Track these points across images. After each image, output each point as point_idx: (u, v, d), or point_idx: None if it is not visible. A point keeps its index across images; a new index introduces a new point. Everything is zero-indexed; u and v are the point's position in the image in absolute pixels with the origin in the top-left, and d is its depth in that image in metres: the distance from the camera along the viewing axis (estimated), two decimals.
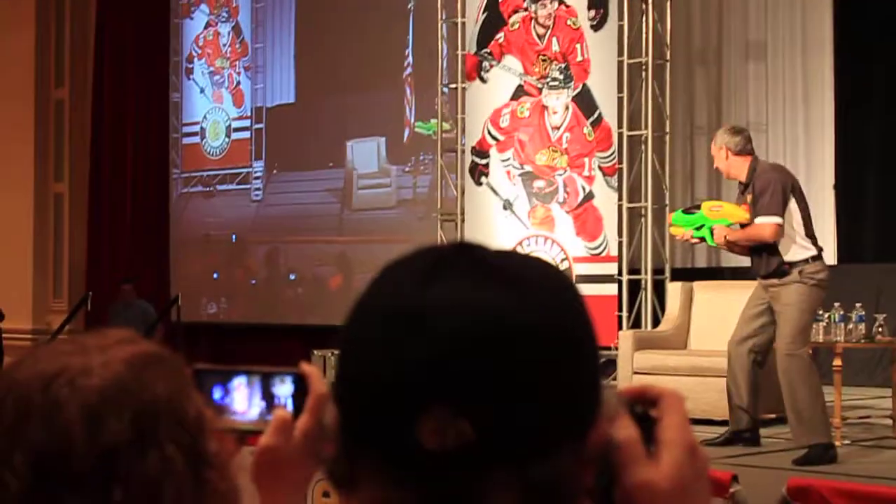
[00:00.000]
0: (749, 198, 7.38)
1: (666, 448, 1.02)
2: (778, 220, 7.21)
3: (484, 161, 12.01)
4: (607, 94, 11.57)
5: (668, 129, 11.79)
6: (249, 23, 16.21)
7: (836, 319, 7.82)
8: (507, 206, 11.82)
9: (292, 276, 15.54)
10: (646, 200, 11.62)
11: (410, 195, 14.28)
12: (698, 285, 9.59)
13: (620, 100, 11.57)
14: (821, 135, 11.63)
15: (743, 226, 7.39)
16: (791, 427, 7.25)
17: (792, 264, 7.23)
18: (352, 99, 14.66)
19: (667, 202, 11.72)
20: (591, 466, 1.00)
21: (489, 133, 11.94)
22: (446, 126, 12.80)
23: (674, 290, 9.70)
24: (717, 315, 9.05)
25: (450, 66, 12.61)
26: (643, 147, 11.67)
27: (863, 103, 11.76)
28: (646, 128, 11.59)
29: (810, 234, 7.31)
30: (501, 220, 11.77)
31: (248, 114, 16.12)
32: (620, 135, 11.57)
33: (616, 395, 1.03)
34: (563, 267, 11.06)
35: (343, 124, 14.79)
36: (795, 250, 7.26)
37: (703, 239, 7.53)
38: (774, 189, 7.25)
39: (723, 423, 8.23)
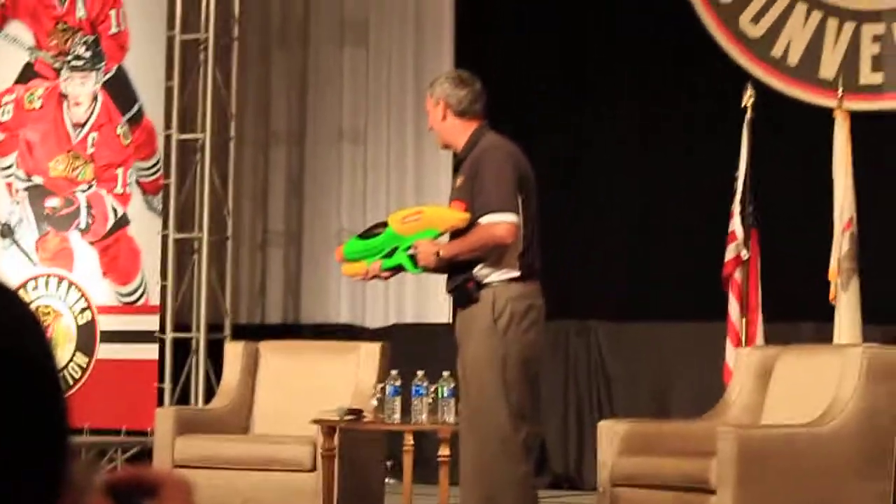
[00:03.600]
0: (460, 181, 5.90)
1: None
2: (514, 218, 5.72)
3: None
4: (152, 82, 10.60)
5: (233, 133, 10.78)
6: None
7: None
8: (7, 232, 10.60)
9: None
10: (201, 230, 10.60)
11: None
12: (266, 346, 8.72)
13: (170, 90, 10.53)
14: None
15: (461, 232, 5.78)
16: None
17: (480, 284, 5.80)
18: None
19: (229, 233, 10.72)
20: None
21: None
22: None
23: (234, 352, 8.75)
24: (290, 388, 8.40)
25: None
26: (200, 155, 10.61)
27: None
28: (204, 130, 10.56)
29: (525, 255, 5.81)
30: None
31: None
32: (168, 138, 10.52)
33: (102, 481, 1.05)
34: (84, 320, 10.55)
35: None
36: (494, 265, 5.78)
37: (399, 268, 5.99)
38: (505, 174, 5.75)
39: None
